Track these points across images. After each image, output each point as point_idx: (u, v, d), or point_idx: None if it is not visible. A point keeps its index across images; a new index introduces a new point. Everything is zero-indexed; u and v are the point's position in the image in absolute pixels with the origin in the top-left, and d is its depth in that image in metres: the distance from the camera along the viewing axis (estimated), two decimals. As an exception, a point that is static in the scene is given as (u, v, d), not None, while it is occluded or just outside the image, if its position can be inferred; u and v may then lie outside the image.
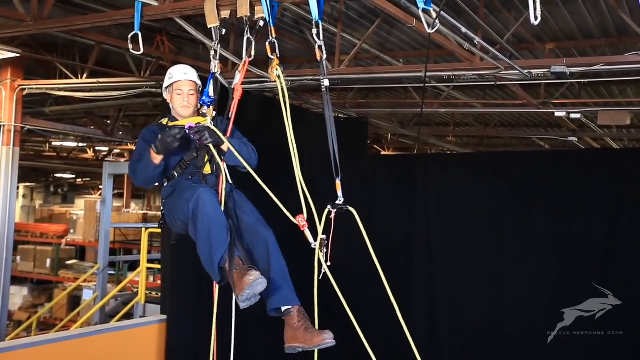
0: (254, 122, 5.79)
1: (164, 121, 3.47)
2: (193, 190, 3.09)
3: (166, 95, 3.47)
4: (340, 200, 2.93)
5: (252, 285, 2.78)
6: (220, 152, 3.22)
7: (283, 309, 2.99)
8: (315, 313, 3.01)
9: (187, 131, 3.13)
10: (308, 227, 2.92)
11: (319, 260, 2.94)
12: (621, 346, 6.10)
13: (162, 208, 3.39)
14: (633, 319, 6.06)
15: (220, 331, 3.53)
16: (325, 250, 2.93)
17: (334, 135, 2.95)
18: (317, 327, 2.98)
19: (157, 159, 3.15)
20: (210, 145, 3.17)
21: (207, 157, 3.26)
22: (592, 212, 6.43)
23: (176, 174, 3.30)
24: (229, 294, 3.11)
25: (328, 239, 2.94)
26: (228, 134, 3.28)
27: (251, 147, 3.34)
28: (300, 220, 2.91)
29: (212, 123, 3.32)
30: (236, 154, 3.14)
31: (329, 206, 2.91)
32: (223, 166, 3.22)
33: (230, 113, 3.29)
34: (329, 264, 2.95)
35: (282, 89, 3.07)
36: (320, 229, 2.92)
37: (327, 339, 2.83)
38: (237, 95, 3.26)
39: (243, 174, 3.24)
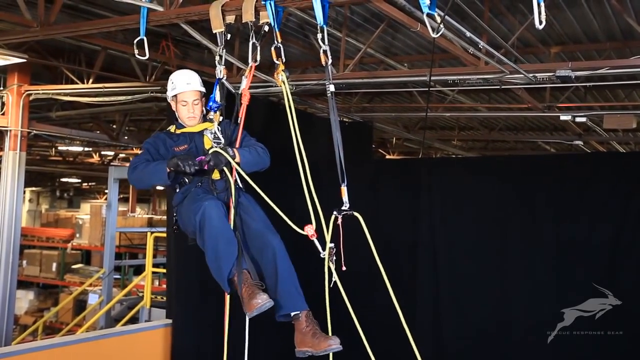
0: (259, 127, 5.81)
1: (172, 128, 3.48)
2: (200, 202, 3.10)
3: (171, 103, 3.47)
4: (345, 206, 2.92)
5: (260, 309, 2.86)
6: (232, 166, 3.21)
7: (292, 314, 3.00)
8: (327, 321, 3.02)
9: (200, 165, 3.15)
10: (317, 237, 2.91)
11: (329, 268, 2.94)
12: (621, 346, 6.10)
13: (175, 214, 3.40)
14: (633, 319, 6.07)
15: (229, 335, 3.51)
16: (334, 258, 2.92)
17: (339, 141, 2.95)
18: (330, 332, 3.00)
19: (169, 176, 3.18)
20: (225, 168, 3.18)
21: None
22: (598, 215, 6.41)
23: (187, 180, 3.31)
24: (238, 300, 3.11)
25: (338, 245, 2.93)
26: (238, 140, 3.28)
27: (260, 147, 3.32)
28: (309, 230, 2.90)
29: (219, 128, 3.32)
30: (244, 174, 3.14)
31: (334, 212, 2.91)
32: (233, 174, 3.22)
33: (239, 118, 3.28)
34: (344, 268, 2.95)
35: (287, 95, 3.07)
36: (328, 236, 2.91)
37: (333, 344, 2.85)
38: (245, 101, 3.26)
39: (253, 177, 3.25)
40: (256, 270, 3.09)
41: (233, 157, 3.15)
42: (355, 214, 2.90)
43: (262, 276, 3.06)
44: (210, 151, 3.20)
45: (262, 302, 2.85)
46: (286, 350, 3.20)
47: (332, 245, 2.91)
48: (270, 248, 3.06)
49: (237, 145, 3.30)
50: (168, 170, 3.14)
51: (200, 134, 3.37)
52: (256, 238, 3.12)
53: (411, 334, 2.94)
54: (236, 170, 3.21)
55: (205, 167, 3.16)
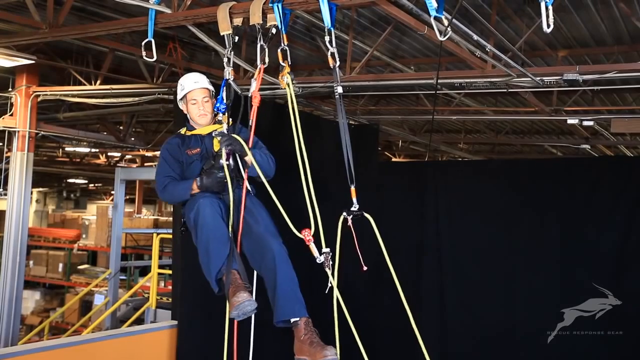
0: (266, 129, 5.80)
1: (182, 131, 3.50)
2: (196, 199, 3.14)
3: (182, 107, 3.50)
4: (355, 207, 2.90)
5: (238, 307, 2.84)
6: (239, 162, 3.22)
7: (291, 320, 2.97)
8: (335, 327, 2.97)
9: (215, 135, 3.21)
10: (314, 241, 2.87)
11: (331, 273, 2.89)
12: (621, 346, 6.09)
13: (183, 216, 3.41)
14: (633, 319, 6.04)
15: (233, 340, 3.51)
16: (331, 262, 2.87)
17: (348, 143, 2.95)
18: (337, 338, 2.96)
19: (196, 190, 3.23)
20: (226, 159, 3.16)
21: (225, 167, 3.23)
22: (605, 219, 6.39)
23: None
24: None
25: (353, 246, 2.89)
26: (250, 143, 3.27)
27: (270, 156, 3.32)
28: (306, 235, 2.86)
29: (228, 130, 3.32)
30: (257, 167, 3.14)
31: (344, 213, 2.89)
32: (245, 175, 3.22)
33: (251, 121, 3.26)
34: (365, 268, 2.93)
35: (292, 98, 3.07)
36: (338, 237, 2.89)
37: (329, 355, 2.79)
38: (255, 103, 3.24)
39: (259, 182, 3.25)
40: (265, 277, 3.07)
41: (247, 148, 3.14)
42: (366, 215, 2.88)
43: (266, 282, 3.05)
44: (220, 137, 3.20)
45: (241, 300, 2.82)
46: (291, 356, 3.18)
47: (328, 250, 2.87)
48: (270, 252, 3.02)
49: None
50: (192, 192, 3.23)
51: (210, 136, 3.38)
52: (258, 242, 3.11)
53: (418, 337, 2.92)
54: (245, 171, 3.20)
55: (227, 152, 3.16)
